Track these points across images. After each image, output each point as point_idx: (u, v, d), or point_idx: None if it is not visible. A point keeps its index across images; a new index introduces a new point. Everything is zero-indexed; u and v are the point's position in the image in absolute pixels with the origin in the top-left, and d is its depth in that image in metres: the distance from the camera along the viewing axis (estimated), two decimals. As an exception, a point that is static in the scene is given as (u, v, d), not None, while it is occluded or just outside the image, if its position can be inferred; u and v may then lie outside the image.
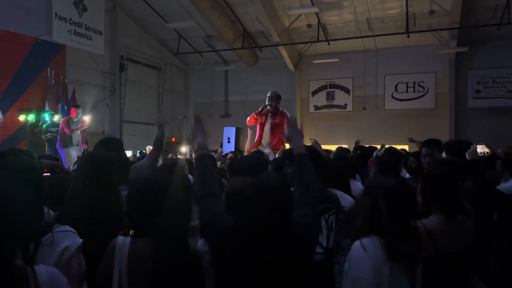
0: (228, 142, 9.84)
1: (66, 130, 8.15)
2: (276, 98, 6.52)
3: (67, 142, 8.26)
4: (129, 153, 10.32)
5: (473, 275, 2.13)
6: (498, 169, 3.48)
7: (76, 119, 8.40)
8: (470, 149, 3.01)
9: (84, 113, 8.71)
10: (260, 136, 6.55)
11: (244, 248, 1.62)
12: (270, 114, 6.50)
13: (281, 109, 6.64)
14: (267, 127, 6.48)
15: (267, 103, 6.51)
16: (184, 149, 8.49)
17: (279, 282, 1.62)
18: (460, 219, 2.16)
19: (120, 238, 1.77)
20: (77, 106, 8.68)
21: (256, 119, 6.60)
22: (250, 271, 1.62)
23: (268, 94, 6.61)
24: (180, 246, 1.74)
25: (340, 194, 2.79)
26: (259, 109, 6.55)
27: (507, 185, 3.29)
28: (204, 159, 1.99)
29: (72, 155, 8.13)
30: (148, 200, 1.75)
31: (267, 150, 5.06)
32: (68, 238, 1.69)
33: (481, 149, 3.08)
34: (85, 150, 8.74)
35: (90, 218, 2.00)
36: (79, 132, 8.57)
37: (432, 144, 3.49)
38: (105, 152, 2.45)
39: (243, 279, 1.63)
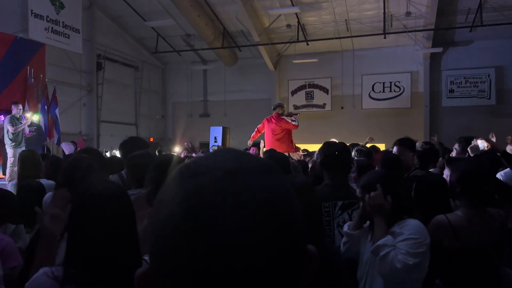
0: (215, 141, 9.75)
1: (9, 128, 7.61)
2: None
3: (19, 141, 7.75)
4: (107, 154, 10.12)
5: (502, 266, 2.15)
6: None
7: (19, 116, 7.84)
8: (472, 145, 3.04)
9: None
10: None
11: None
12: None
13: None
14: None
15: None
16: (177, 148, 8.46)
17: None
18: (489, 212, 2.19)
19: None
20: (15, 103, 8.00)
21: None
22: None
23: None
24: None
25: None
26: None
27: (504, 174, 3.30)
28: None
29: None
30: None
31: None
32: None
33: (481, 144, 3.09)
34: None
35: None
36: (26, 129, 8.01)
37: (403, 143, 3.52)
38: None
39: None
